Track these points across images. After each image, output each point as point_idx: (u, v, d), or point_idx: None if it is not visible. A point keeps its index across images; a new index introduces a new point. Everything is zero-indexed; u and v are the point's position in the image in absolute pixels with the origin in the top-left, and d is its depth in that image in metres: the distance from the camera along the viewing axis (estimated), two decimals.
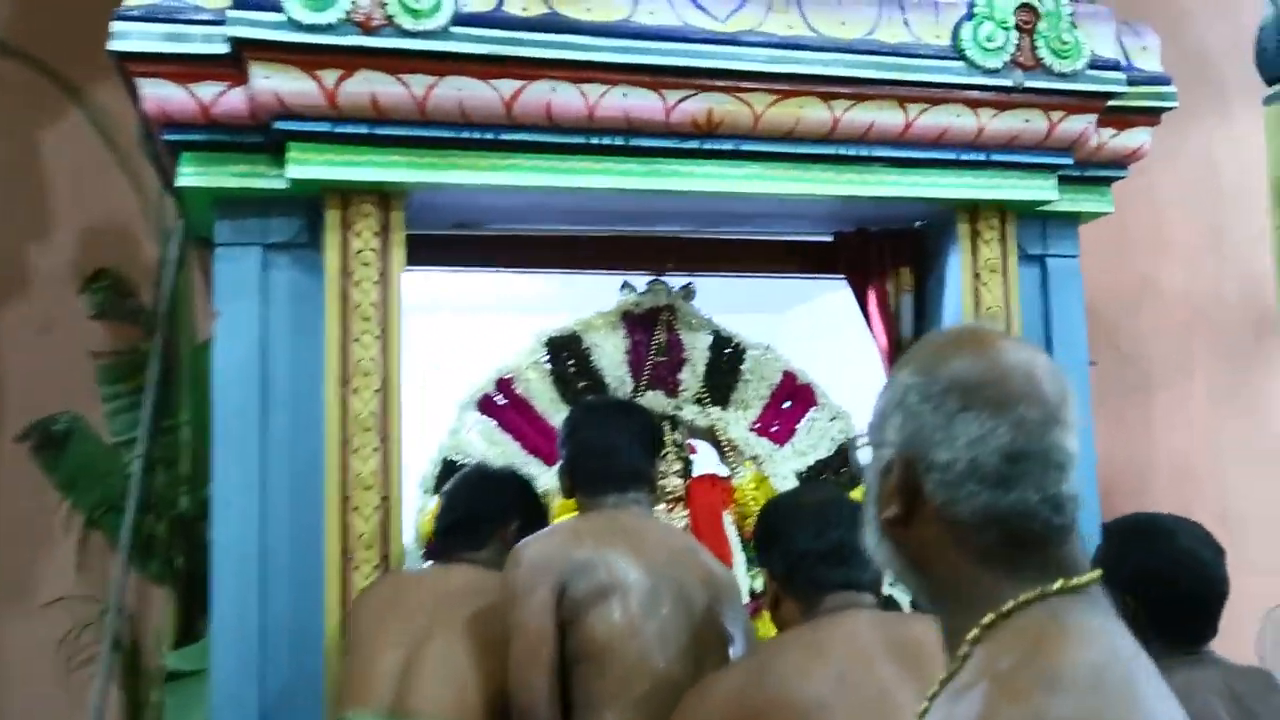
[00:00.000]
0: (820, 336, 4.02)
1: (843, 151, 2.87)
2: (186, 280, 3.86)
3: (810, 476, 3.15)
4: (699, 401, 3.16)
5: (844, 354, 3.92)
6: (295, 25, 2.52)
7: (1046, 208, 3.07)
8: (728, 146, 2.82)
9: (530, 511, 2.57)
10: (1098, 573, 1.08)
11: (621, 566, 2.23)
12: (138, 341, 3.84)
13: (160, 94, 2.58)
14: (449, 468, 2.99)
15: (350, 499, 2.64)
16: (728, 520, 3.11)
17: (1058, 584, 1.05)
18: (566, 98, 2.69)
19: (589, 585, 2.20)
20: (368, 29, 2.55)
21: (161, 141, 2.71)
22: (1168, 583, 1.97)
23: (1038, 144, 2.95)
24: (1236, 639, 2.46)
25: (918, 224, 3.18)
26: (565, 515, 2.93)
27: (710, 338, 3.19)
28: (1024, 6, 2.86)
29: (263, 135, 2.66)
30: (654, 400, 3.11)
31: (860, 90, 2.81)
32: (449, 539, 2.52)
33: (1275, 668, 3.54)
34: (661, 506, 3.04)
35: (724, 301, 3.28)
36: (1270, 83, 3.58)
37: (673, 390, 3.14)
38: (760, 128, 2.81)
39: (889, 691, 1.74)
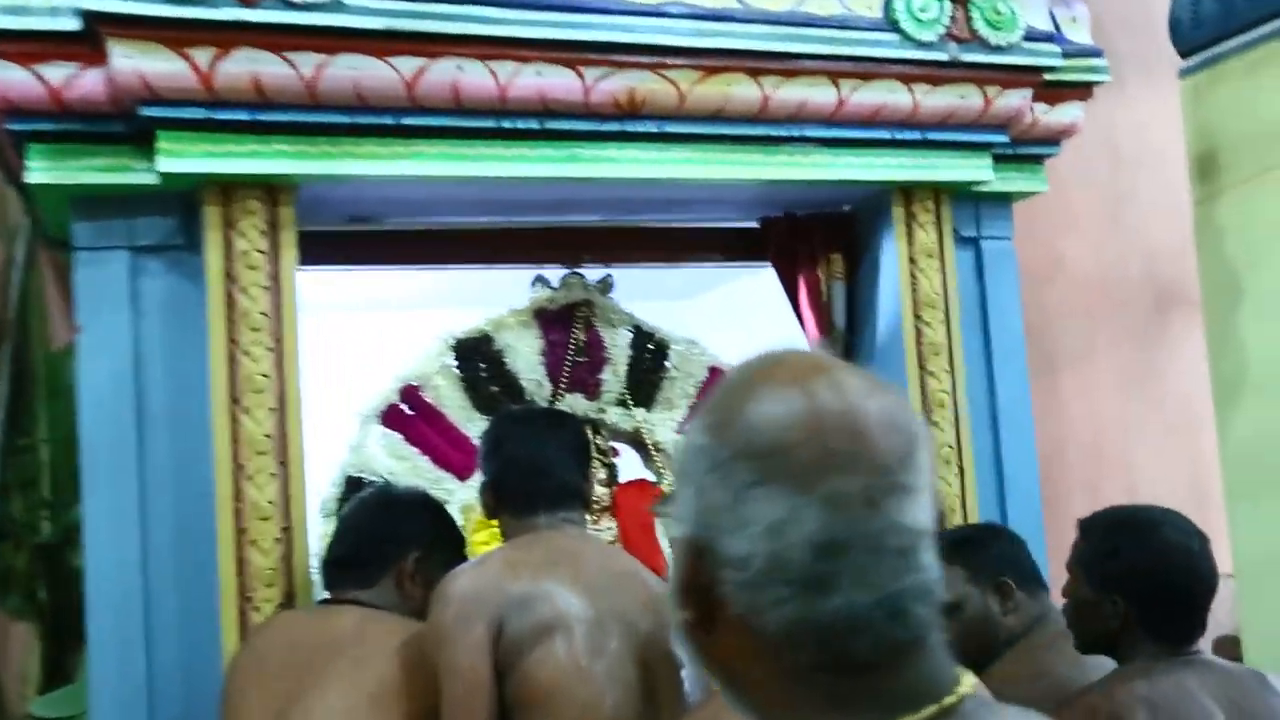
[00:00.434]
0: (729, 325, 3.84)
1: (773, 132, 2.69)
2: (37, 283, 3.47)
3: None
4: (622, 403, 2.96)
5: (754, 342, 3.75)
6: None
7: (980, 188, 2.93)
8: (651, 128, 2.61)
9: (436, 538, 2.28)
10: (961, 693, 0.81)
11: (564, 599, 2.03)
12: None
13: (1, 77, 2.24)
14: (353, 487, 2.72)
15: (246, 531, 2.36)
16: (660, 529, 2.90)
17: None
18: (475, 77, 2.44)
19: (529, 622, 1.98)
20: (248, 1, 2.26)
21: (4, 131, 2.37)
22: (1159, 579, 1.86)
23: (973, 121, 2.80)
24: None
25: (846, 208, 3.02)
26: (481, 538, 2.70)
27: (631, 334, 2.98)
28: None
29: (126, 124, 2.36)
30: (574, 403, 2.90)
31: (791, 66, 2.62)
32: (336, 574, 2.25)
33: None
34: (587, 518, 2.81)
35: (629, 289, 3.07)
36: (1185, 55, 3.51)
37: (594, 392, 2.93)
38: (686, 107, 2.60)
39: None
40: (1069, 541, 2.88)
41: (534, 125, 2.53)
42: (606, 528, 2.89)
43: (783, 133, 2.69)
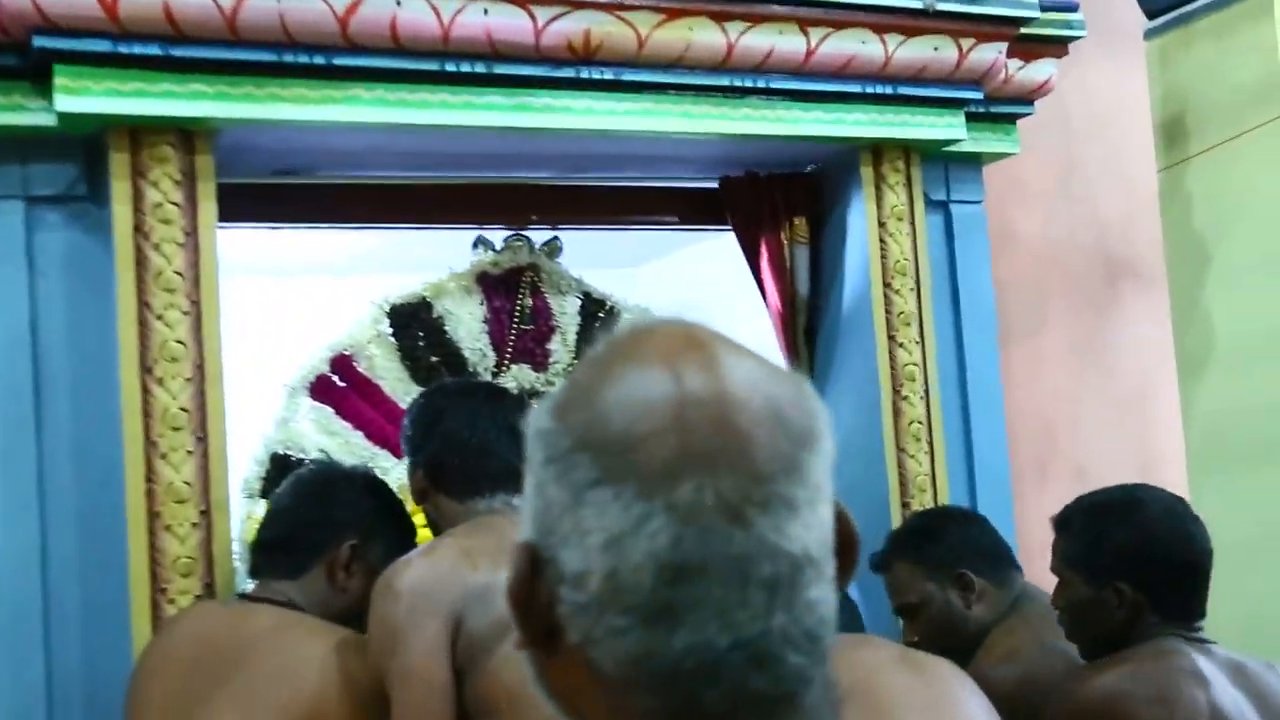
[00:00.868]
0: (681, 295, 3.66)
1: (738, 83, 2.50)
2: None
3: None
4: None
5: (709, 312, 3.58)
6: None
7: (950, 149, 2.77)
8: (608, 75, 2.40)
9: (376, 524, 2.04)
10: None
11: None
12: None
13: None
14: (278, 466, 2.49)
15: (160, 515, 2.11)
16: None
17: None
18: (415, 15, 2.22)
19: (491, 617, 1.77)
20: None
21: None
22: (1159, 553, 1.74)
23: (947, 76, 2.64)
24: None
25: (810, 168, 2.84)
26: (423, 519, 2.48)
27: (580, 301, 2.78)
28: None
29: (19, 57, 2.10)
30: (520, 375, 2.69)
31: (758, 10, 2.44)
32: (261, 560, 2.02)
33: None
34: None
35: (574, 254, 2.87)
36: (1151, 16, 3.39)
37: (541, 363, 2.72)
38: (645, 54, 2.39)
39: None
40: (1024, 522, 2.76)
41: (480, 69, 2.31)
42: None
43: (748, 83, 2.50)
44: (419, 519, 2.45)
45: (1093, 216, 4.40)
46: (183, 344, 2.15)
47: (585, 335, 2.76)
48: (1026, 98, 2.85)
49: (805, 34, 2.50)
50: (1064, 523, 1.83)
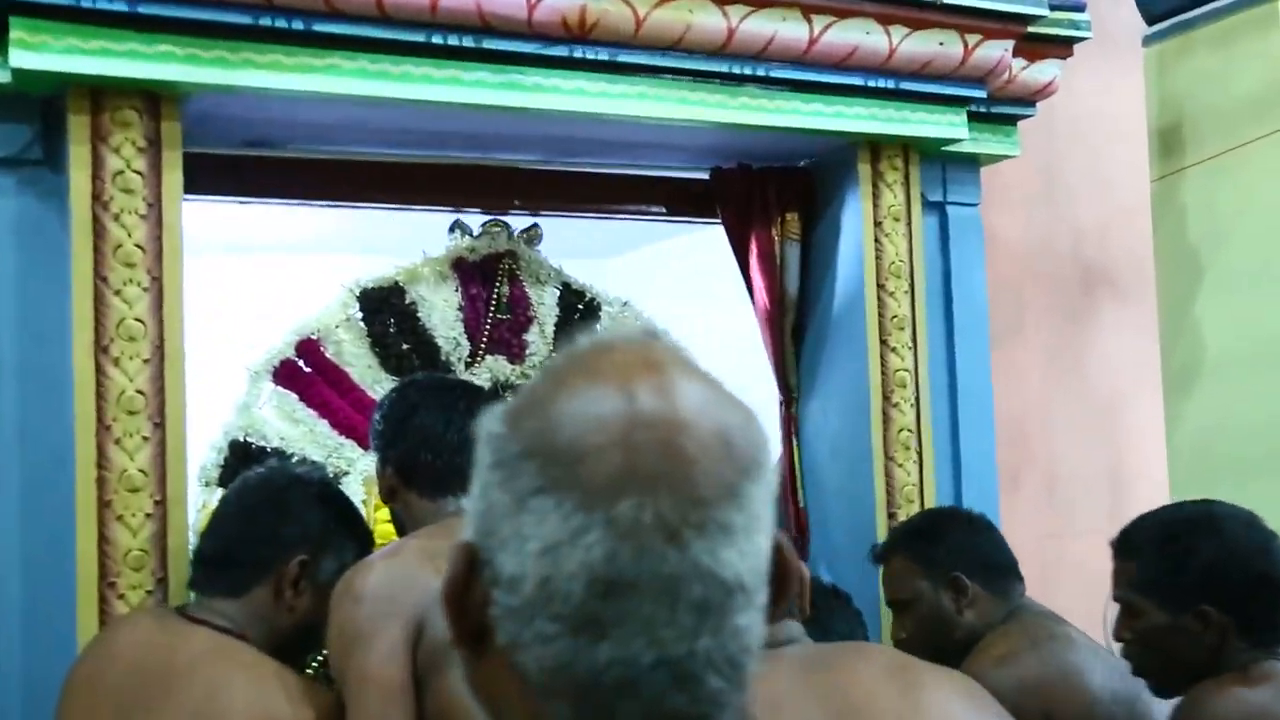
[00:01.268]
0: (660, 288, 3.56)
1: (737, 70, 2.39)
2: None
3: None
4: None
5: (671, 306, 3.48)
6: None
7: (949, 148, 2.68)
8: (603, 56, 2.28)
9: (329, 539, 1.89)
10: None
11: None
12: None
13: None
14: (238, 454, 2.35)
15: (111, 504, 1.98)
16: None
17: None
18: None
19: None
20: None
21: None
22: (1254, 576, 1.59)
23: (951, 72, 2.55)
24: (1058, 603, 2.20)
25: (804, 162, 2.74)
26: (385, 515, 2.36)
27: (559, 291, 2.66)
28: None
29: None
30: (495, 366, 2.58)
31: None
32: (201, 575, 1.87)
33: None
34: None
35: (550, 241, 2.74)
36: (1151, 21, 3.33)
37: (517, 355, 2.60)
38: (642, 35, 2.28)
39: None
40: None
41: (469, 43, 2.18)
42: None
43: (747, 71, 2.40)
44: (382, 515, 2.34)
45: (1073, 223, 4.34)
46: (141, 322, 2.01)
47: (564, 327, 2.64)
48: (1028, 99, 2.76)
49: (809, 21, 2.39)
50: (1131, 546, 1.68)
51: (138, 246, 2.02)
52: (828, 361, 2.68)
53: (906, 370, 2.58)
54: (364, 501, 2.39)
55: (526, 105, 2.26)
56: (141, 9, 1.97)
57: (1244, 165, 3.03)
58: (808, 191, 2.71)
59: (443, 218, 2.64)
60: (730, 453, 0.65)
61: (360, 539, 1.95)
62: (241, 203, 2.48)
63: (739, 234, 2.69)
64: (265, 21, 2.05)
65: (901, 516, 2.53)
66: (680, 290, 3.07)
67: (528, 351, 2.60)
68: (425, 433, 1.89)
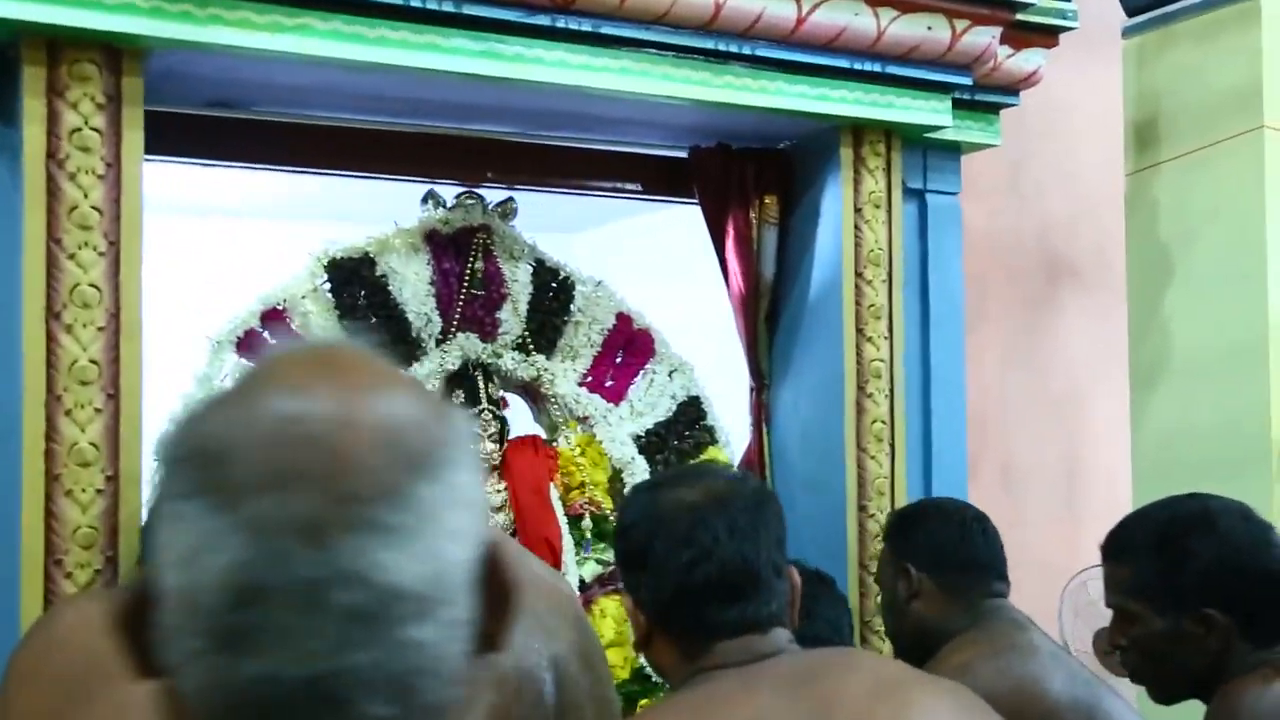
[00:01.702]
0: (611, 269, 3.50)
1: (722, 47, 2.32)
2: None
3: (649, 443, 2.60)
4: (521, 347, 2.54)
5: (637, 284, 3.43)
6: None
7: (930, 135, 2.64)
8: (585, 27, 2.21)
9: None
10: None
11: None
12: None
13: None
14: None
15: (60, 479, 1.88)
16: (554, 494, 2.53)
17: None
18: None
19: None
20: None
21: None
22: (1256, 575, 1.50)
23: (937, 58, 2.50)
24: (1012, 594, 2.14)
25: (784, 144, 2.68)
26: None
27: (532, 268, 2.57)
28: None
29: None
30: (467, 344, 2.49)
31: None
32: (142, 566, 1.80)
33: (1074, 638, 3.37)
34: None
35: (526, 214, 2.67)
36: (1132, 13, 3.30)
37: (490, 333, 2.51)
38: (628, 6, 2.21)
39: None
40: None
41: (448, 8, 2.10)
42: (495, 489, 2.49)
43: (733, 49, 2.34)
44: None
45: (1038, 215, 4.33)
46: (97, 289, 1.92)
47: (537, 305, 2.56)
48: (1012, 88, 2.73)
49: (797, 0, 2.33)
50: (1121, 548, 1.57)
51: (94, 208, 1.92)
52: (801, 348, 2.63)
53: (882, 360, 2.54)
54: None
55: (506, 75, 2.19)
56: None
57: (1220, 162, 3.02)
58: (787, 174, 2.66)
59: (414, 188, 2.55)
60: (397, 451, 0.60)
61: None
62: (204, 165, 2.38)
63: (715, 215, 2.63)
64: None
65: (872, 509, 2.50)
66: (651, 268, 3.01)
67: (500, 329, 2.52)
68: None
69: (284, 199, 2.74)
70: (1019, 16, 2.59)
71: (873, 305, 2.54)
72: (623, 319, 2.64)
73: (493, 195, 2.58)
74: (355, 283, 2.39)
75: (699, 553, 1.28)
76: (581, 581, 2.49)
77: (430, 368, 2.42)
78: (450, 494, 0.61)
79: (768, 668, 1.27)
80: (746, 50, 2.35)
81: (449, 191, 2.55)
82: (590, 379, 2.59)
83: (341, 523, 0.58)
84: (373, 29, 2.07)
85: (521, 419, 2.65)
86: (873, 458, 2.52)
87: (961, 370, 2.75)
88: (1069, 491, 4.27)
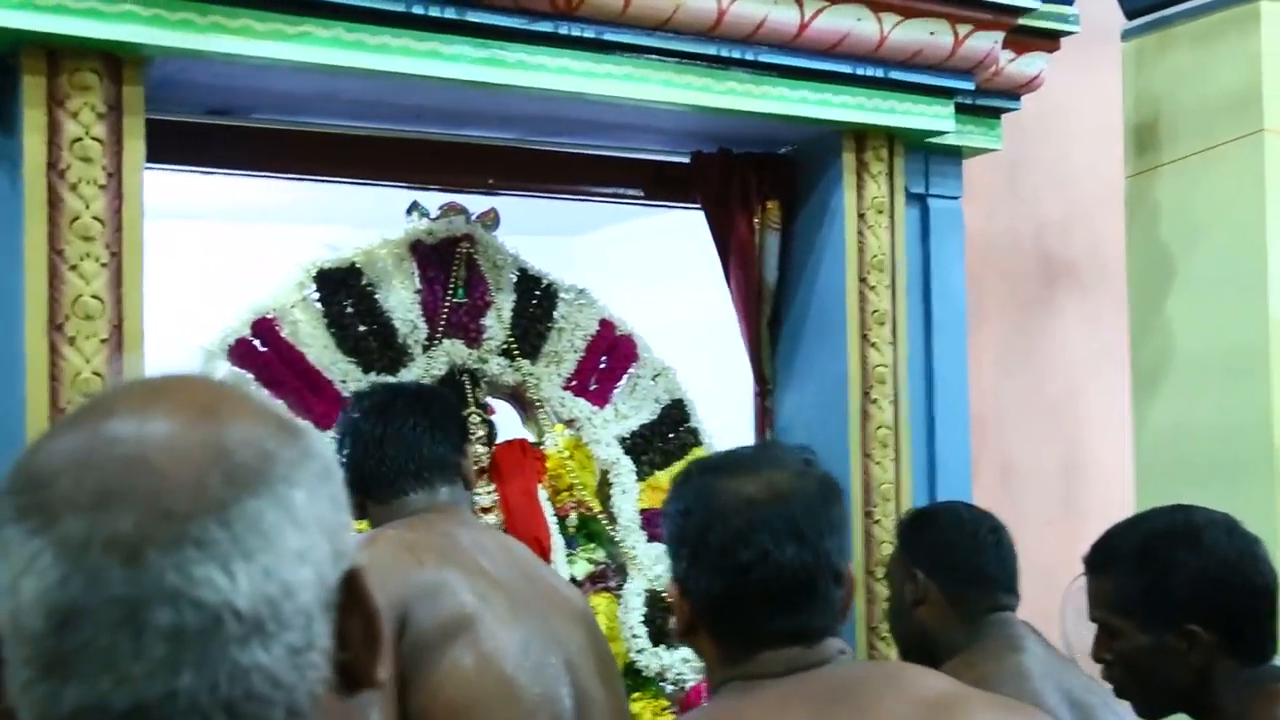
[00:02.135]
0: (613, 273, 3.50)
1: (725, 53, 2.32)
2: None
3: (635, 444, 2.63)
4: (506, 353, 2.56)
5: (637, 288, 3.42)
6: None
7: (932, 140, 2.63)
8: (588, 34, 2.20)
9: None
10: None
11: (475, 590, 1.69)
12: None
13: None
14: None
15: None
16: (542, 496, 2.55)
17: None
18: None
19: (439, 617, 1.63)
20: None
21: None
22: (1241, 589, 1.47)
23: (940, 63, 2.50)
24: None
25: (785, 150, 2.67)
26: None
27: (515, 277, 2.59)
28: None
29: None
30: (453, 350, 2.50)
31: None
32: None
33: (1077, 639, 3.36)
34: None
35: (521, 218, 2.68)
36: (1131, 16, 3.29)
37: (474, 339, 2.53)
38: (630, 13, 2.20)
39: None
40: None
41: (451, 15, 2.10)
42: (485, 491, 2.51)
43: (735, 54, 2.33)
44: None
45: (1035, 216, 4.34)
46: (99, 300, 1.90)
47: (521, 312, 2.58)
48: (1013, 92, 2.73)
49: (800, 5, 2.33)
50: (1104, 561, 1.54)
51: (96, 219, 1.91)
52: (805, 354, 2.63)
53: (886, 366, 2.54)
54: None
55: (509, 82, 2.18)
56: None
57: (1220, 165, 3.01)
58: (789, 180, 2.65)
59: (415, 194, 2.55)
60: (224, 466, 0.57)
61: None
62: (204, 173, 2.36)
63: (718, 220, 2.63)
64: None
65: (878, 514, 2.49)
66: (653, 273, 3.00)
67: (485, 336, 2.54)
68: (365, 441, 1.82)
69: (284, 205, 2.73)
70: (1021, 21, 2.59)
71: (876, 310, 2.53)
72: (605, 325, 2.66)
73: (476, 206, 2.58)
74: (343, 292, 2.41)
75: (756, 555, 1.19)
76: (572, 580, 2.51)
77: (417, 374, 2.45)
78: (287, 512, 0.58)
79: (806, 681, 1.21)
80: (749, 56, 2.34)
81: (433, 202, 2.54)
82: (575, 383, 2.61)
83: (160, 539, 0.56)
84: (374, 36, 2.06)
85: (510, 423, 2.68)
86: (877, 463, 2.51)
87: (964, 375, 2.75)
88: (1067, 492, 4.28)
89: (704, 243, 2.67)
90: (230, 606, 0.56)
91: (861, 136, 2.54)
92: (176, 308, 2.39)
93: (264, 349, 2.39)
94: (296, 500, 0.59)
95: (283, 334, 2.40)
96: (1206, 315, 3.05)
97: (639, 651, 2.48)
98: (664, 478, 2.53)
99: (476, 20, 2.11)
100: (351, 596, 0.61)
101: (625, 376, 2.66)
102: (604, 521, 2.58)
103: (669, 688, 2.52)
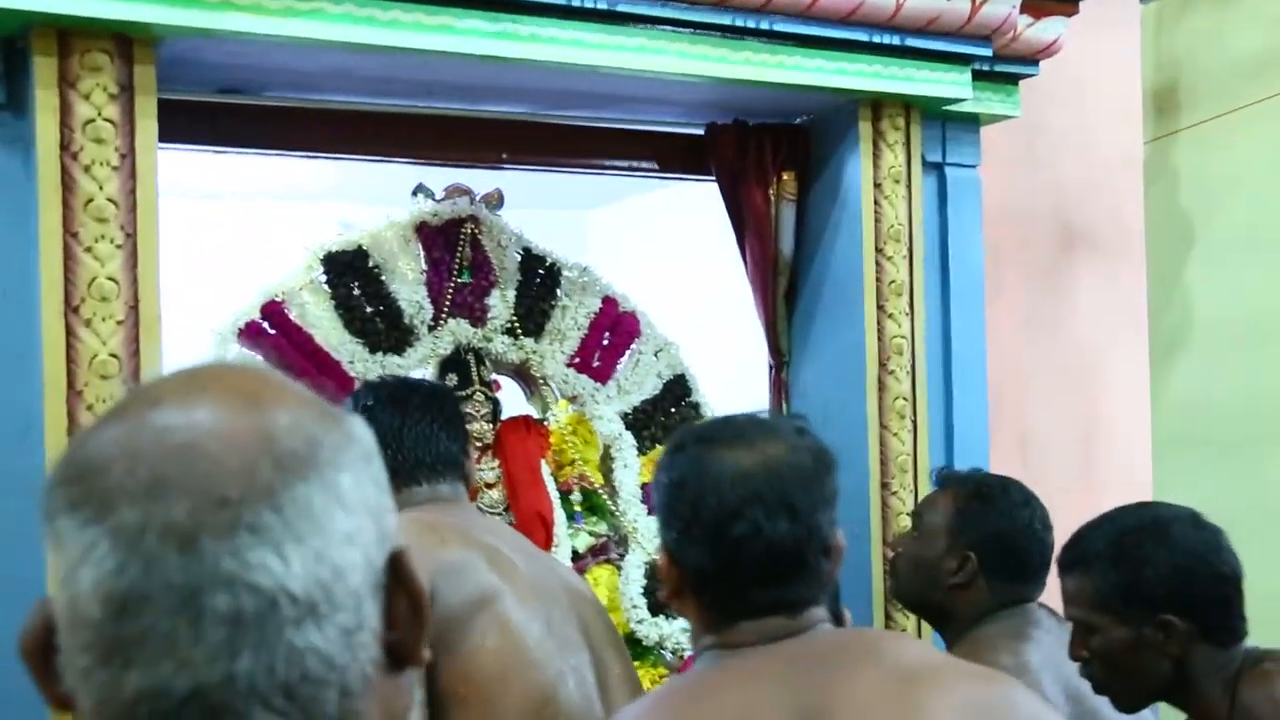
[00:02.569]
0: (626, 245, 3.48)
1: (739, 23, 2.29)
2: None
3: (636, 419, 2.65)
4: (510, 331, 2.58)
5: (652, 261, 3.41)
6: None
7: (949, 108, 2.60)
8: (601, 5, 2.18)
9: None
10: None
11: (499, 569, 1.70)
12: None
13: None
14: None
15: None
16: (546, 471, 2.58)
17: None
18: None
19: (465, 595, 1.64)
20: None
21: None
22: (1210, 578, 1.53)
23: (957, 29, 2.46)
24: None
25: (801, 119, 2.65)
26: None
27: (519, 256, 2.60)
28: None
29: None
30: (458, 330, 2.52)
31: None
32: None
33: None
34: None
35: (518, 195, 2.67)
36: None
37: (480, 318, 2.54)
38: None
39: None
40: None
41: None
42: (489, 467, 2.54)
43: (750, 24, 2.30)
44: None
45: (1054, 182, 4.29)
46: (114, 281, 1.90)
47: (525, 291, 2.59)
48: (1031, 57, 2.69)
49: None
50: (1079, 560, 1.57)
51: (110, 200, 1.90)
52: (821, 326, 2.61)
53: (903, 337, 2.52)
54: None
55: (521, 56, 2.16)
56: None
57: (1240, 130, 2.98)
58: (805, 150, 2.62)
59: (427, 170, 2.54)
60: (272, 451, 0.58)
61: None
62: (217, 152, 2.35)
63: (733, 192, 2.61)
64: None
65: (895, 486, 2.49)
66: (667, 245, 2.99)
67: (490, 315, 2.55)
68: (384, 430, 1.83)
69: (298, 183, 2.72)
70: None
71: (894, 281, 2.51)
72: (608, 302, 2.66)
73: (480, 187, 2.58)
74: (350, 274, 2.43)
75: (748, 530, 1.18)
76: (574, 552, 2.55)
77: (424, 353, 2.47)
78: (335, 496, 0.60)
79: (782, 650, 1.20)
80: (764, 25, 2.31)
81: (438, 183, 2.53)
82: (578, 360, 2.63)
83: (214, 526, 0.57)
84: (385, 11, 2.04)
85: (514, 400, 2.70)
86: (895, 435, 2.50)
87: (982, 345, 2.73)
88: (1086, 460, 4.25)
89: (719, 215, 2.65)
90: (285, 590, 0.57)
91: (878, 105, 2.52)
92: (192, 288, 2.39)
93: (273, 331, 2.41)
94: (343, 484, 0.60)
95: (291, 316, 2.42)
96: (1226, 282, 3.03)
97: (639, 622, 2.52)
98: None
99: None
100: (397, 577, 0.62)
101: (628, 353, 2.68)
102: (606, 495, 2.61)
103: (668, 656, 2.55)
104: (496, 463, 2.55)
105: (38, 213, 1.87)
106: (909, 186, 2.54)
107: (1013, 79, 2.71)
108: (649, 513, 2.52)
